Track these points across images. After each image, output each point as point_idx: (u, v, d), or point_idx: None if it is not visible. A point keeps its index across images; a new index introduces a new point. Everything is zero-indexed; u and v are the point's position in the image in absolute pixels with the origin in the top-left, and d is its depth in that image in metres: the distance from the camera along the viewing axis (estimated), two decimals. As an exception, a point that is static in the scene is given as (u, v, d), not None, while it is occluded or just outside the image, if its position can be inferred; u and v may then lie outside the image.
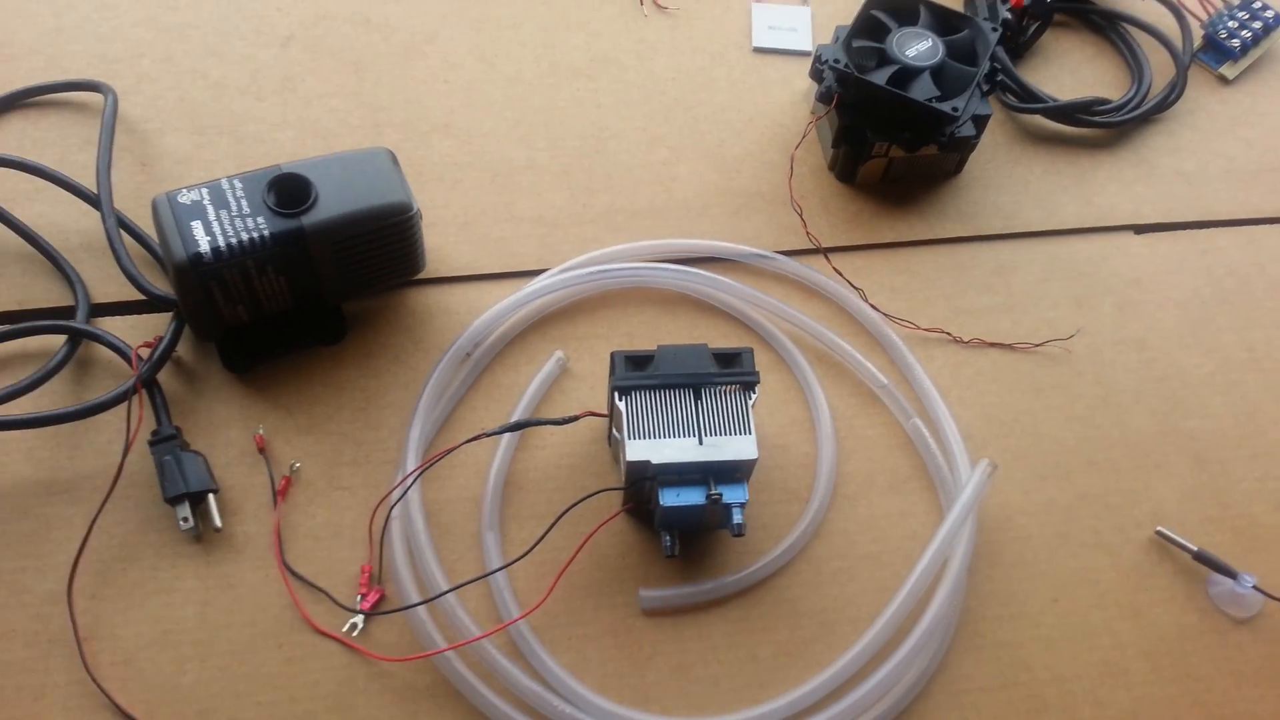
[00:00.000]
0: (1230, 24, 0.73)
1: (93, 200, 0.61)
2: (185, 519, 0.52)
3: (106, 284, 0.60)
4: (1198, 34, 0.73)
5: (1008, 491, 0.57)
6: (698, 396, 0.52)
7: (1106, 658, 0.54)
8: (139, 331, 0.58)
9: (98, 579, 0.52)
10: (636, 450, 0.50)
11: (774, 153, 0.69)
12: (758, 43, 0.73)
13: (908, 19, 0.66)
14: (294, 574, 0.53)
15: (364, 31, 0.72)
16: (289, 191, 0.54)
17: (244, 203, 0.53)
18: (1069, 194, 0.68)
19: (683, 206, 0.67)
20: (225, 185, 0.54)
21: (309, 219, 0.54)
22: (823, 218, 0.67)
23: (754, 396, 0.52)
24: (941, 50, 0.64)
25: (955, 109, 0.62)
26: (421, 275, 0.62)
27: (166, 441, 0.54)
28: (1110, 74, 0.73)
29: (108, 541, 0.53)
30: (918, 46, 0.64)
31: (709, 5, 0.75)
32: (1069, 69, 0.73)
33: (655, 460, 0.50)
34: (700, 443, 0.50)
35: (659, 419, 0.51)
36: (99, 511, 0.52)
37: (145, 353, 0.55)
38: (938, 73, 0.63)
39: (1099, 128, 0.69)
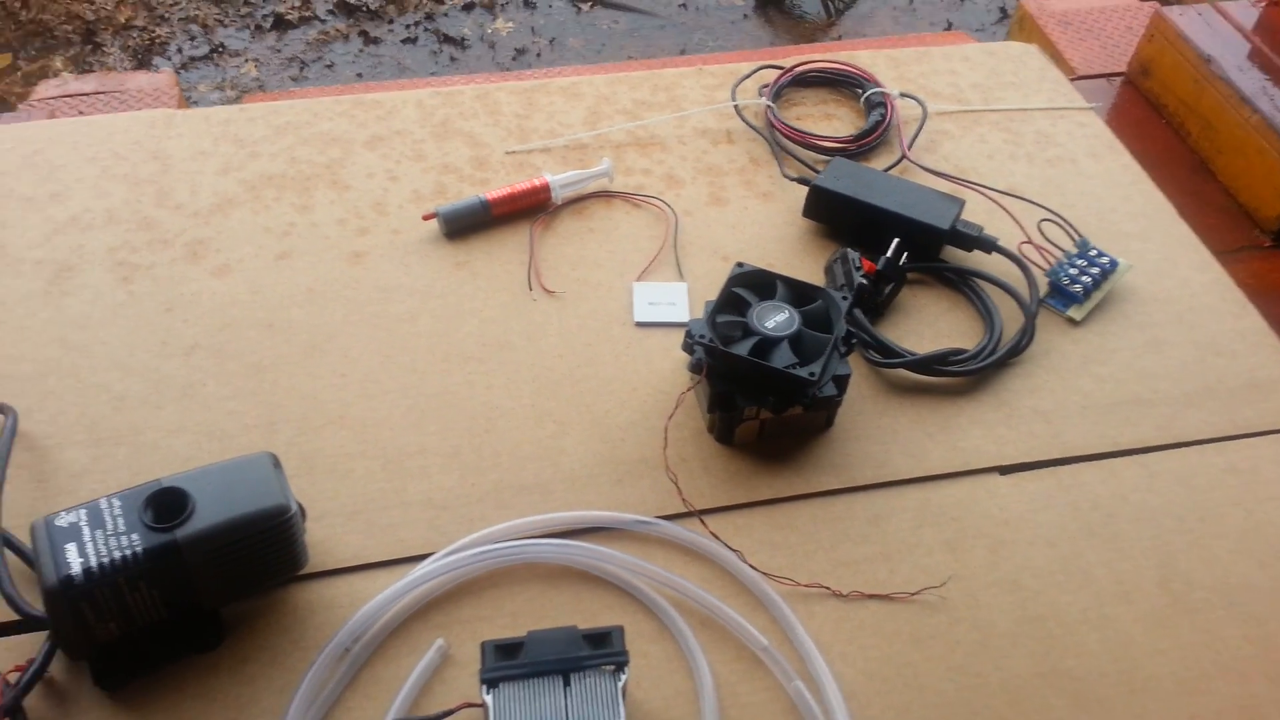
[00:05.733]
0: (1071, 271, 0.79)
1: (-16, 520, 0.62)
2: None
3: (-9, 604, 0.61)
4: (1043, 282, 0.79)
5: (895, 752, 0.57)
6: (567, 683, 0.52)
7: None
8: (14, 654, 0.58)
9: None
10: (503, 746, 0.50)
11: (656, 419, 0.72)
12: (639, 317, 0.79)
13: (767, 293, 0.71)
14: None
15: (267, 335, 0.77)
16: (166, 505, 0.56)
17: (120, 521, 0.55)
18: (935, 440, 0.71)
19: (569, 478, 0.69)
20: (104, 505, 0.56)
21: (183, 531, 0.55)
22: (704, 479, 0.69)
23: (624, 677, 0.52)
24: (798, 320, 0.68)
25: (812, 374, 0.66)
26: (307, 570, 0.63)
27: (29, 772, 0.53)
28: (966, 324, 0.78)
29: None
30: (776, 318, 0.69)
31: (593, 286, 0.81)
32: (927, 322, 0.78)
33: (521, 755, 0.49)
34: (567, 732, 0.50)
35: (527, 711, 0.51)
36: None
37: (14, 677, 0.55)
38: (796, 341, 0.68)
39: (958, 376, 0.74)
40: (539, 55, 2.50)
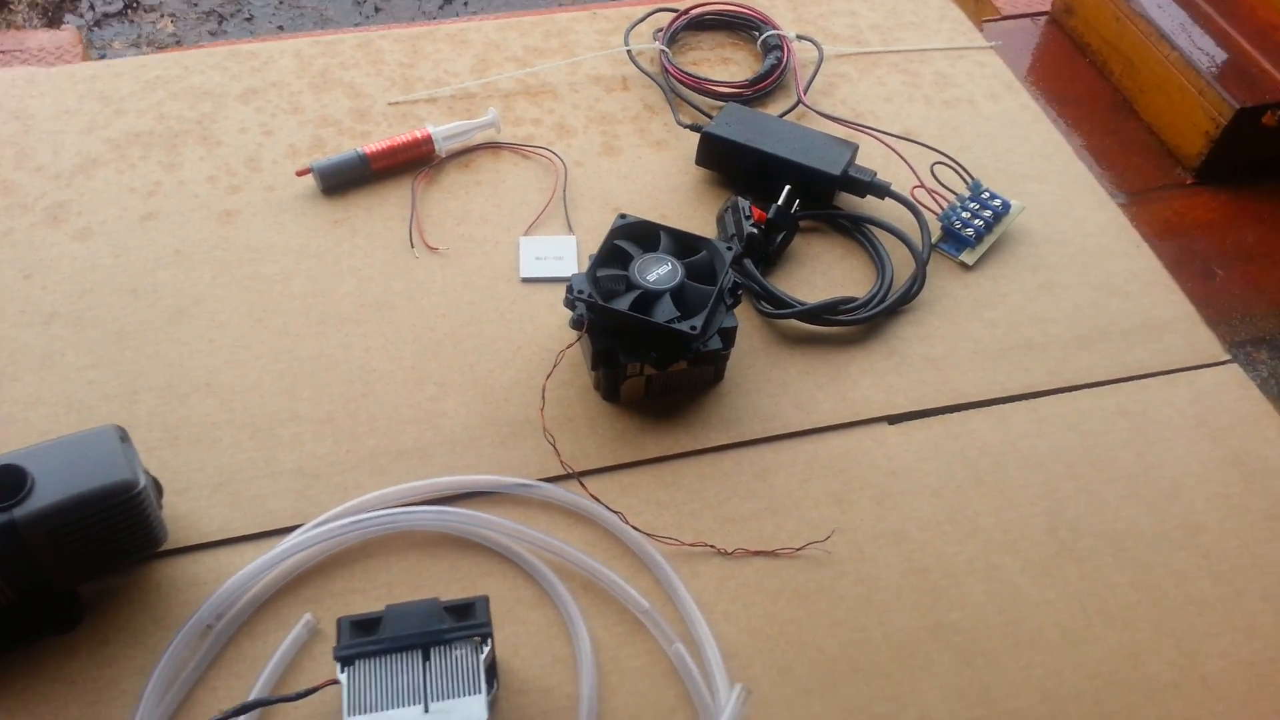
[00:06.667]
0: (963, 214, 0.77)
1: None
2: None
3: None
4: (936, 226, 0.78)
5: (773, 712, 0.56)
6: (426, 657, 0.50)
7: None
8: None
9: None
10: (357, 726, 0.48)
11: (540, 378, 0.70)
12: (525, 273, 0.76)
13: (650, 245, 0.68)
14: None
15: (130, 300, 0.73)
16: (2, 484, 0.53)
17: (-47, 502, 0.52)
18: (825, 391, 0.69)
19: (449, 442, 0.67)
20: (-65, 486, 0.53)
21: (21, 511, 0.52)
22: (590, 439, 0.67)
23: (487, 649, 0.51)
24: (681, 273, 0.66)
25: (694, 327, 0.64)
26: (171, 546, 0.60)
27: None
28: (860, 272, 0.76)
29: None
30: (658, 271, 0.66)
31: (479, 242, 0.78)
32: (820, 271, 0.76)
33: (375, 735, 0.47)
34: (426, 710, 0.48)
35: (383, 689, 0.49)
36: None
37: None
38: (678, 294, 0.66)
39: (849, 325, 0.72)
40: (466, 3, 2.42)
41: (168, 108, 0.86)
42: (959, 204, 0.78)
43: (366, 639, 0.50)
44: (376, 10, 2.41)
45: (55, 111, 0.85)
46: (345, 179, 0.80)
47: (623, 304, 0.65)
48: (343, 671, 0.49)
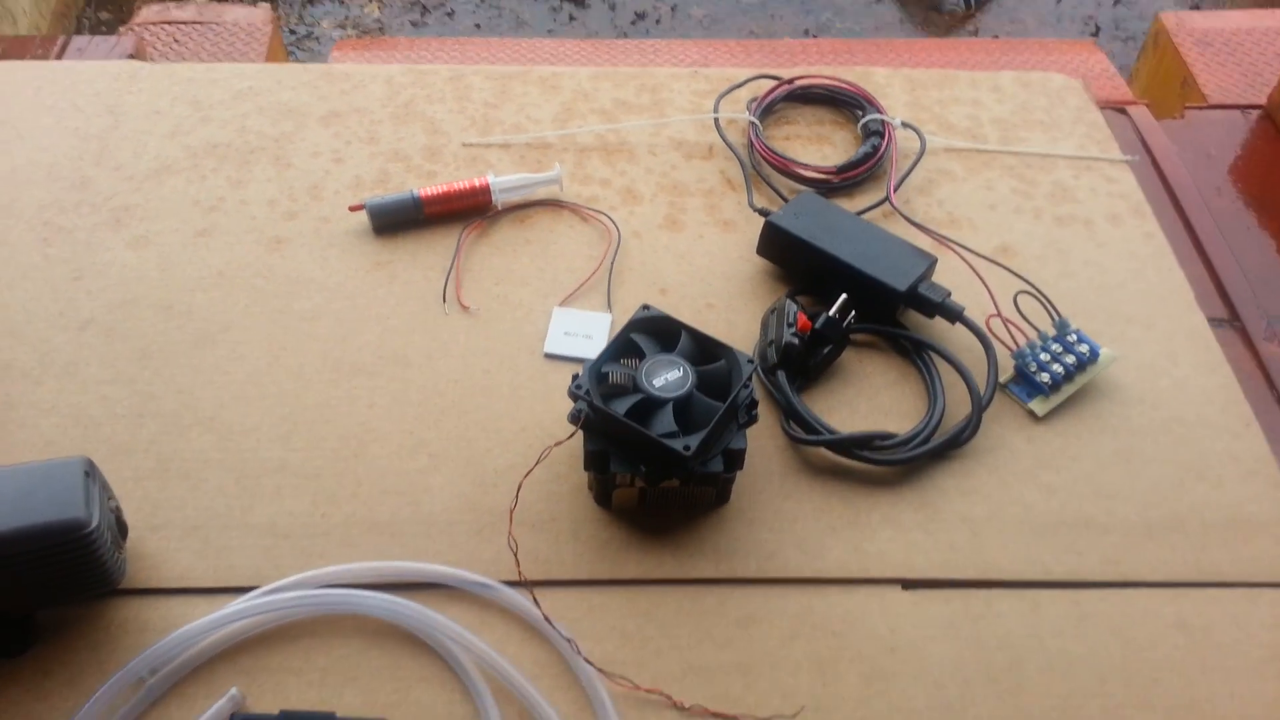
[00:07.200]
0: (1042, 356, 0.68)
1: None
2: None
3: None
4: (1009, 364, 0.69)
5: None
6: (304, 778, 0.47)
7: None
8: None
9: None
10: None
11: (538, 468, 0.66)
12: (549, 348, 0.72)
13: (669, 343, 0.63)
14: None
15: (163, 318, 0.73)
16: (-45, 507, 0.53)
17: (-95, 518, 0.52)
18: (838, 536, 0.62)
19: (426, 521, 0.63)
20: (-105, 497, 0.53)
21: (-33, 536, 0.52)
22: (570, 544, 0.63)
23: (367, 783, 0.47)
24: (691, 381, 0.60)
25: (687, 447, 0.58)
26: (132, 585, 0.60)
27: None
28: (909, 402, 0.69)
29: None
30: (667, 376, 0.61)
31: (513, 306, 0.74)
32: (866, 394, 0.69)
33: None
34: (288, 837, 0.45)
35: (252, 803, 0.46)
36: None
37: None
38: (683, 405, 0.60)
39: (882, 464, 0.64)
40: (658, 22, 2.43)
41: (251, 121, 0.86)
42: (1040, 343, 0.69)
43: (252, 745, 0.48)
44: (571, 19, 2.44)
45: (147, 111, 0.87)
46: (397, 220, 0.78)
47: (621, 407, 0.60)
48: (217, 777, 0.47)
